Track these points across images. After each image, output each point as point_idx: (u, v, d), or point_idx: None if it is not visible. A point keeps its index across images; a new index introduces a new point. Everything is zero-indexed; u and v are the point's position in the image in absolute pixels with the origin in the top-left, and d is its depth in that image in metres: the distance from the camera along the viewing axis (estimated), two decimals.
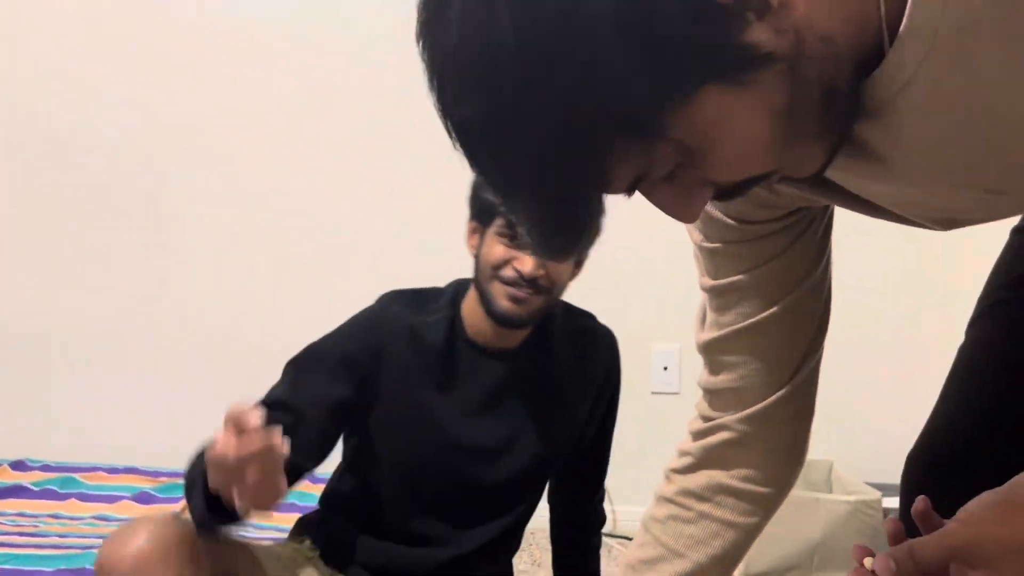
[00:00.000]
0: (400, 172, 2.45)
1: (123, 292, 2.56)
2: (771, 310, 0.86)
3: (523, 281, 1.32)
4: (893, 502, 2.10)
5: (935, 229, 0.75)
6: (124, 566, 1.15)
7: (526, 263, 1.32)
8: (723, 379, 0.92)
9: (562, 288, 1.41)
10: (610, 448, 1.60)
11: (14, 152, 2.58)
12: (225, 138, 2.51)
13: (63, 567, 1.58)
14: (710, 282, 0.90)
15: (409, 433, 1.38)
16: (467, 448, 1.40)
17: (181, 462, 2.39)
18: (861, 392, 2.24)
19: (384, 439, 1.39)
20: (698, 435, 0.96)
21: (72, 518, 2.01)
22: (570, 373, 1.49)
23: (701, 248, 0.89)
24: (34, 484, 2.22)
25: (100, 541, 1.75)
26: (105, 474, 2.32)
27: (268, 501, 1.02)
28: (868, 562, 0.67)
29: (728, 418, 0.93)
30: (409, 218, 2.46)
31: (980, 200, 0.68)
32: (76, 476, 2.28)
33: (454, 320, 1.42)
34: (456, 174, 0.72)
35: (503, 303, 1.34)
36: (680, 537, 0.95)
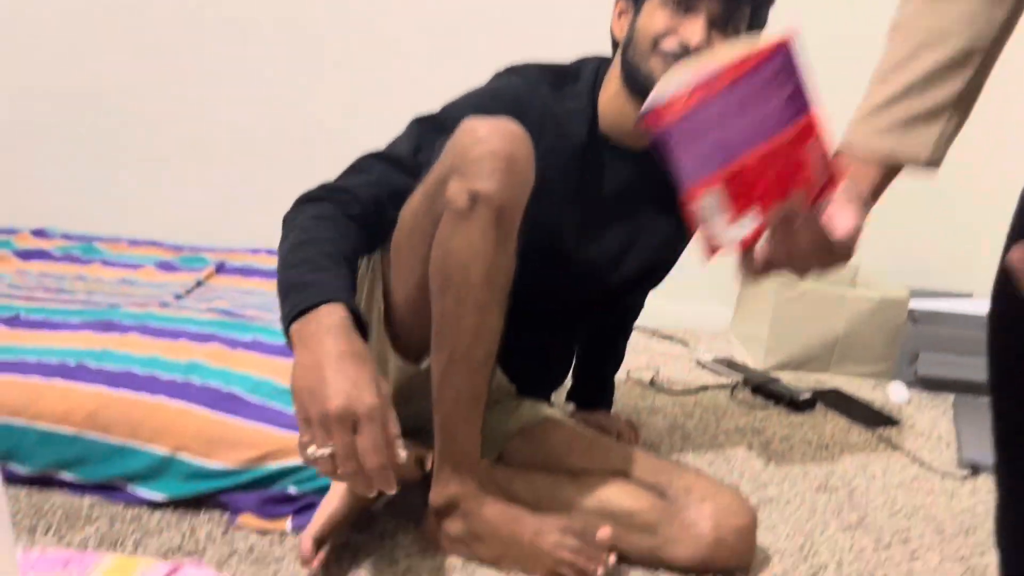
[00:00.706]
0: None
1: (155, 64, 2.47)
2: None
3: (688, 54, 1.18)
4: (919, 303, 2.10)
5: None
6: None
7: (695, 31, 1.18)
8: None
9: None
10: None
11: None
12: None
13: (90, 319, 1.59)
14: None
15: (527, 240, 1.18)
16: (581, 263, 1.34)
17: (199, 238, 2.41)
18: (892, 194, 2.18)
19: None
20: None
21: (97, 280, 2.03)
22: None
23: None
24: (57, 249, 2.23)
25: (126, 302, 1.76)
26: (127, 245, 2.33)
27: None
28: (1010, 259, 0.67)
29: None
30: None
31: None
32: (97, 245, 2.30)
33: (594, 110, 1.30)
34: None
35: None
36: (930, 29, 0.80)
